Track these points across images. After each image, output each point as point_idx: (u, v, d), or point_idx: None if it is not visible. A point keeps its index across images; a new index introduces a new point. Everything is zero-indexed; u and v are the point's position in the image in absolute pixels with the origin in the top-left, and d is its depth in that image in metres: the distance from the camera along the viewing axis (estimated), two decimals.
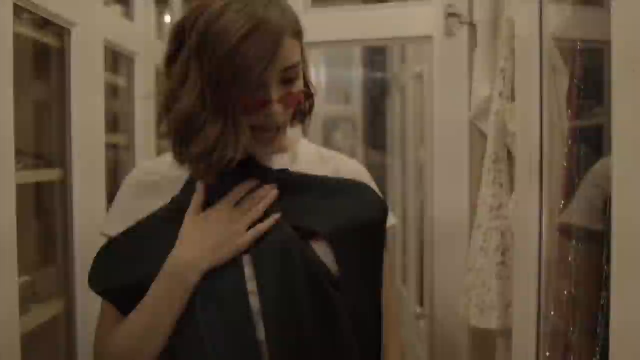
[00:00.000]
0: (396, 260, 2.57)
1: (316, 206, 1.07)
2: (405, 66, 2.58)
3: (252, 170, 1.06)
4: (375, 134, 3.43)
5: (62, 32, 1.45)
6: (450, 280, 1.69)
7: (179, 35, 0.98)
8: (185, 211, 1.06)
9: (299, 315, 0.99)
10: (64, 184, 1.47)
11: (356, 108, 3.57)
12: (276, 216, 1.03)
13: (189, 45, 0.96)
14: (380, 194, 1.15)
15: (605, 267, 1.00)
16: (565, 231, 1.24)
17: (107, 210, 1.60)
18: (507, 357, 1.39)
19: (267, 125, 1.00)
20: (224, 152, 0.95)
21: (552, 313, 1.19)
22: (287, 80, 1.00)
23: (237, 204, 1.05)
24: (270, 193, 1.05)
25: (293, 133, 1.13)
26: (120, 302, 1.07)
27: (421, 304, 1.92)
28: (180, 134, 0.98)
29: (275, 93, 0.98)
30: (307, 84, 1.09)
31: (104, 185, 1.57)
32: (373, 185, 1.16)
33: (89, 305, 1.42)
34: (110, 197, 1.67)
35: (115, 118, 1.92)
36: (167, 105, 1.00)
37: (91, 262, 1.10)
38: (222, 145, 0.95)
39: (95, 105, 1.56)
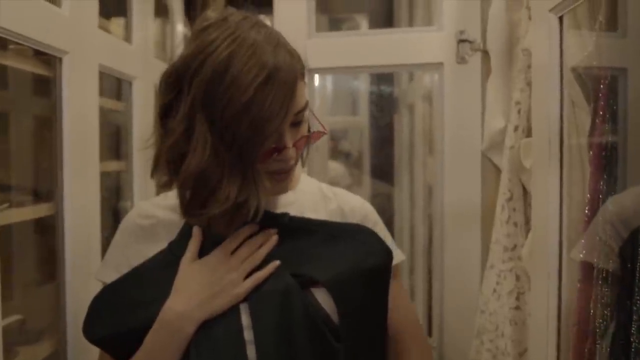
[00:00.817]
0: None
1: (316, 253, 1.02)
2: (412, 84, 2.51)
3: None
4: (380, 160, 3.36)
5: (53, 61, 1.38)
6: (459, 319, 1.62)
7: (176, 84, 0.91)
8: (182, 257, 1.01)
9: (297, 354, 0.95)
10: (56, 219, 1.40)
11: (364, 119, 3.52)
12: (275, 263, 0.98)
13: (193, 97, 0.89)
14: (385, 230, 1.11)
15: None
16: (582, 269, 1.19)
17: (102, 243, 1.54)
18: None
19: (282, 170, 0.96)
20: (248, 207, 0.91)
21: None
22: (297, 123, 0.95)
23: (235, 250, 1.00)
24: (269, 239, 1.00)
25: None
26: (115, 351, 1.03)
27: (430, 334, 1.84)
28: (194, 193, 0.93)
29: (289, 139, 0.93)
30: (316, 133, 1.04)
31: (99, 218, 1.51)
32: (378, 220, 1.11)
33: (80, 344, 1.36)
34: (105, 228, 1.62)
35: (115, 143, 1.86)
36: (171, 160, 0.94)
37: (81, 305, 1.06)
38: (243, 201, 0.91)
39: (89, 133, 1.49)
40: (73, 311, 1.38)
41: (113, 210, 1.81)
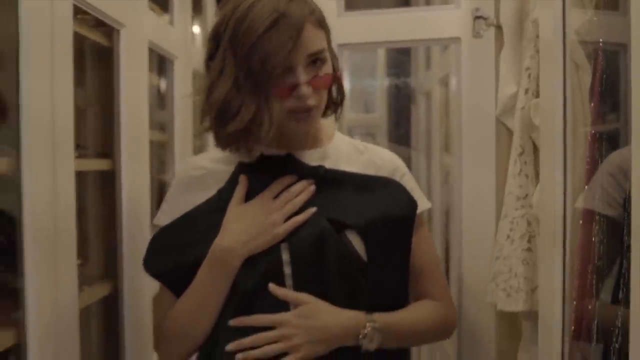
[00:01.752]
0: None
1: (349, 201, 1.16)
2: (431, 72, 2.67)
3: (290, 166, 1.16)
4: (399, 140, 3.51)
5: (111, 32, 1.55)
6: (477, 269, 1.78)
7: (216, 36, 1.10)
8: (229, 202, 1.16)
9: (328, 296, 1.10)
10: (113, 174, 1.57)
11: (380, 115, 3.66)
12: (312, 209, 1.12)
13: (224, 41, 1.07)
14: (413, 181, 1.24)
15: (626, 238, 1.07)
16: (584, 215, 1.32)
17: (151, 198, 1.71)
18: (533, 339, 1.46)
19: (300, 108, 1.09)
20: (260, 129, 1.06)
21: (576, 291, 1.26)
22: (314, 66, 1.09)
23: (276, 197, 1.15)
24: (307, 188, 1.15)
25: (328, 129, 1.23)
26: (173, 284, 1.18)
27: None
28: (218, 118, 1.09)
29: (303, 76, 1.07)
30: (336, 74, 1.19)
31: (149, 176, 1.67)
32: (407, 171, 1.24)
33: (135, 288, 1.52)
34: (153, 188, 1.79)
35: (158, 117, 2.02)
36: (207, 97, 1.11)
37: (137, 247, 1.21)
38: (257, 122, 1.06)
39: (140, 103, 1.66)
40: (129, 256, 1.53)
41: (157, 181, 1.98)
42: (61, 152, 1.21)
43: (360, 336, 1.10)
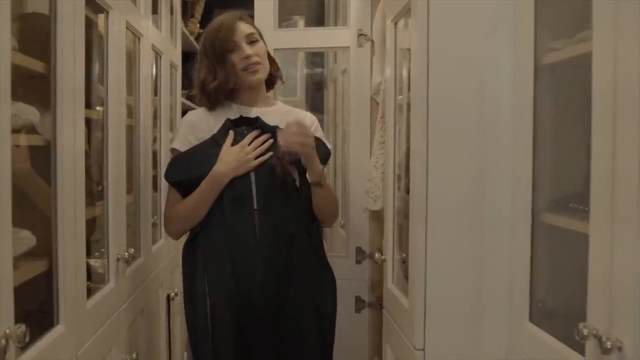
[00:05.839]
0: None
1: None
2: (336, 65, 3.68)
3: (258, 124, 2.03)
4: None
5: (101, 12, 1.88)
6: (356, 186, 2.90)
7: (200, 47, 2.06)
8: (221, 144, 1.96)
9: (276, 198, 1.97)
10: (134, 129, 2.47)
11: (301, 98, 4.64)
12: (270, 154, 1.96)
13: (204, 47, 2.04)
14: (322, 132, 2.14)
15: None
16: None
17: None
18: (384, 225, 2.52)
19: (249, 63, 1.99)
20: (227, 85, 2.02)
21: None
22: (252, 43, 2.02)
23: (250, 143, 2.00)
24: (268, 140, 2.01)
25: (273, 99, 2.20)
26: (182, 189, 2.00)
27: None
28: (202, 88, 2.05)
29: (248, 49, 1.99)
30: (270, 57, 2.12)
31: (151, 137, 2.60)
32: (319, 127, 2.12)
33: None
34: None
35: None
36: (196, 83, 2.06)
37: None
38: (226, 80, 2.01)
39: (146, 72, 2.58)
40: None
41: None
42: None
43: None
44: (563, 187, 1.49)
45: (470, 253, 1.64)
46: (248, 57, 1.97)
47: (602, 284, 1.06)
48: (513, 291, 1.54)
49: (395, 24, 2.12)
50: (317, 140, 1.98)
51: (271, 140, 1.98)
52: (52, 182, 1.45)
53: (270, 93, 2.25)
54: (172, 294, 2.76)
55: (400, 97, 2.08)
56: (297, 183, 1.97)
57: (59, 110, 1.44)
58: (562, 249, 1.46)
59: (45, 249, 1.46)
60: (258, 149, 1.96)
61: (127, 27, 2.10)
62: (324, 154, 2.03)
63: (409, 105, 1.84)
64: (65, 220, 1.48)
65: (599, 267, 1.08)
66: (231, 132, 1.98)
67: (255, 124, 2.02)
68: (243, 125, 2.00)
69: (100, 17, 1.91)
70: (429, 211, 1.62)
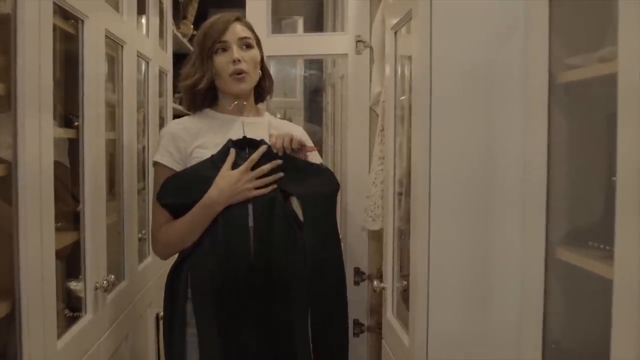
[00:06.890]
0: None
1: (294, 178, 1.77)
2: (335, 69, 3.54)
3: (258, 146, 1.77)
4: (312, 120, 4.37)
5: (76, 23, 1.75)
6: (355, 204, 2.72)
7: (194, 52, 1.89)
8: (220, 166, 1.73)
9: (274, 241, 1.70)
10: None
11: (300, 99, 4.51)
12: (273, 186, 1.74)
13: (196, 46, 1.87)
14: (314, 149, 1.92)
15: None
16: None
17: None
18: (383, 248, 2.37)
19: (236, 70, 1.78)
20: (202, 86, 1.81)
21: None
22: (244, 48, 1.81)
23: (252, 168, 1.73)
24: (275, 174, 1.76)
25: (262, 109, 2.02)
26: (175, 211, 1.78)
27: None
28: (189, 90, 1.87)
29: (237, 53, 1.79)
30: (264, 68, 1.93)
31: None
32: (309, 141, 1.92)
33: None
34: None
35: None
36: (186, 84, 1.88)
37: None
38: (199, 80, 1.83)
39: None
40: None
41: None
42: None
43: None
44: (578, 222, 1.36)
45: (475, 295, 1.54)
46: (235, 61, 1.78)
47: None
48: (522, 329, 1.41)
49: (396, 32, 1.96)
50: (324, 173, 1.87)
51: (280, 175, 1.78)
52: (12, 205, 1.28)
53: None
54: (162, 313, 2.61)
55: (402, 97, 1.97)
56: (301, 217, 1.79)
57: (19, 120, 1.29)
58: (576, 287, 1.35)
59: (5, 287, 1.30)
60: (260, 181, 1.75)
61: (107, 36, 1.94)
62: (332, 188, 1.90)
63: (410, 115, 1.73)
64: (29, 252, 1.31)
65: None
66: (232, 152, 1.76)
67: (260, 147, 1.80)
68: (246, 148, 1.79)
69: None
70: (431, 235, 1.54)
